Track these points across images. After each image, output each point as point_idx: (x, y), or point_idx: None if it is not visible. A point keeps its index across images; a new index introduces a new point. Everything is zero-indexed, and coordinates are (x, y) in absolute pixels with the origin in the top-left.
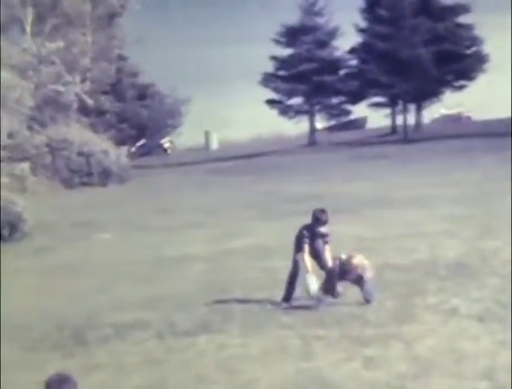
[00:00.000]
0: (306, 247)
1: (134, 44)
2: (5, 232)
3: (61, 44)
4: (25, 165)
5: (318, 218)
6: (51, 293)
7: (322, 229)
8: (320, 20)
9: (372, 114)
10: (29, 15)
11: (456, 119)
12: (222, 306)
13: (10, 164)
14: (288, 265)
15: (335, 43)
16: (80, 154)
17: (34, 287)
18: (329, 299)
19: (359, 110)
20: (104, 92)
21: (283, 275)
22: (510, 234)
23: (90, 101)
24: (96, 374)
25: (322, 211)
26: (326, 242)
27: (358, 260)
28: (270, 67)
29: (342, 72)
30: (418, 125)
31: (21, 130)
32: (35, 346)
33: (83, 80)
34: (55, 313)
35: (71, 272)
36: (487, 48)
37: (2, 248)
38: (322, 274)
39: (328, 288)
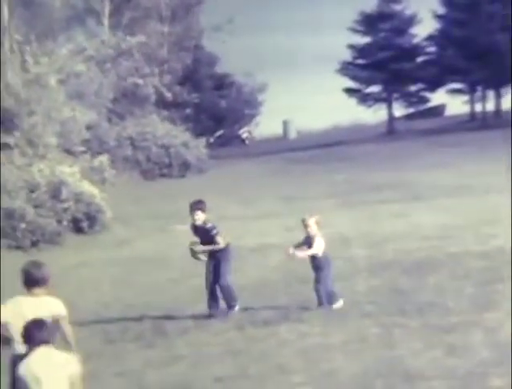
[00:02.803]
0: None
1: (210, 34)
2: (84, 225)
3: (142, 38)
4: (104, 158)
5: (191, 207)
6: (131, 285)
7: (204, 225)
8: (397, 7)
9: (450, 101)
10: (106, 7)
11: None
12: (302, 295)
13: (90, 157)
14: (368, 254)
15: (413, 30)
16: (160, 146)
17: (114, 279)
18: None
19: (437, 97)
20: (182, 83)
21: (363, 264)
22: None
23: (168, 94)
24: (176, 365)
25: (197, 201)
26: (212, 236)
27: None
28: (347, 55)
29: (420, 59)
30: (497, 111)
31: (100, 123)
32: (116, 338)
33: (161, 72)
34: (135, 304)
35: (150, 264)
36: None
37: (82, 240)
38: None
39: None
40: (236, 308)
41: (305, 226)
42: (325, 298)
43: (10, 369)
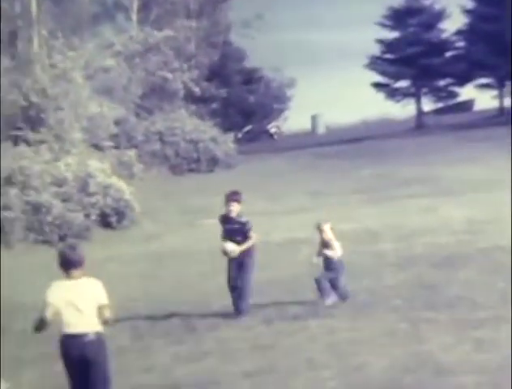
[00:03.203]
0: (223, 233)
1: (239, 29)
2: (113, 220)
3: (170, 32)
4: (132, 152)
5: (228, 198)
6: (159, 280)
7: (239, 218)
8: (426, 2)
9: (479, 96)
10: (135, 3)
11: None
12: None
13: (118, 152)
14: (397, 248)
15: (441, 25)
16: (188, 141)
17: (142, 274)
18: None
19: (466, 92)
20: (210, 78)
21: (391, 259)
22: None
23: (196, 89)
24: (205, 360)
25: (234, 192)
26: (246, 231)
27: None
28: (376, 50)
29: (448, 54)
30: None
31: (128, 118)
32: (144, 333)
33: (189, 67)
34: (164, 300)
35: (179, 259)
36: None
37: (110, 235)
38: None
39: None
40: (245, 317)
41: (320, 231)
42: (340, 295)
43: (61, 349)
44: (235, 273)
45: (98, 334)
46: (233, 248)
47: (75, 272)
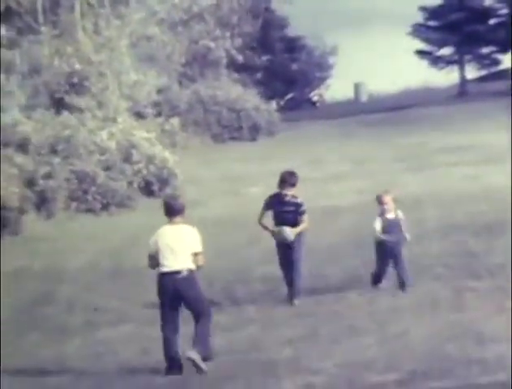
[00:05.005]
0: (263, 212)
1: None
2: (156, 188)
3: (213, 0)
4: (175, 121)
5: (284, 180)
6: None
7: (294, 199)
8: None
9: None
10: None
11: None
12: (372, 259)
13: (161, 120)
14: (439, 216)
15: None
16: (231, 109)
17: None
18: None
19: (509, 59)
20: (252, 47)
21: (434, 226)
22: None
23: (239, 58)
24: (246, 328)
25: (290, 173)
26: (300, 213)
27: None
28: (419, 17)
29: (492, 21)
30: None
31: (171, 86)
32: None
33: (232, 35)
34: (205, 267)
35: (221, 226)
36: None
37: (153, 203)
38: None
39: None
40: (297, 302)
41: (381, 203)
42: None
43: (158, 286)
44: (286, 257)
45: (190, 271)
46: (290, 232)
47: (177, 218)
